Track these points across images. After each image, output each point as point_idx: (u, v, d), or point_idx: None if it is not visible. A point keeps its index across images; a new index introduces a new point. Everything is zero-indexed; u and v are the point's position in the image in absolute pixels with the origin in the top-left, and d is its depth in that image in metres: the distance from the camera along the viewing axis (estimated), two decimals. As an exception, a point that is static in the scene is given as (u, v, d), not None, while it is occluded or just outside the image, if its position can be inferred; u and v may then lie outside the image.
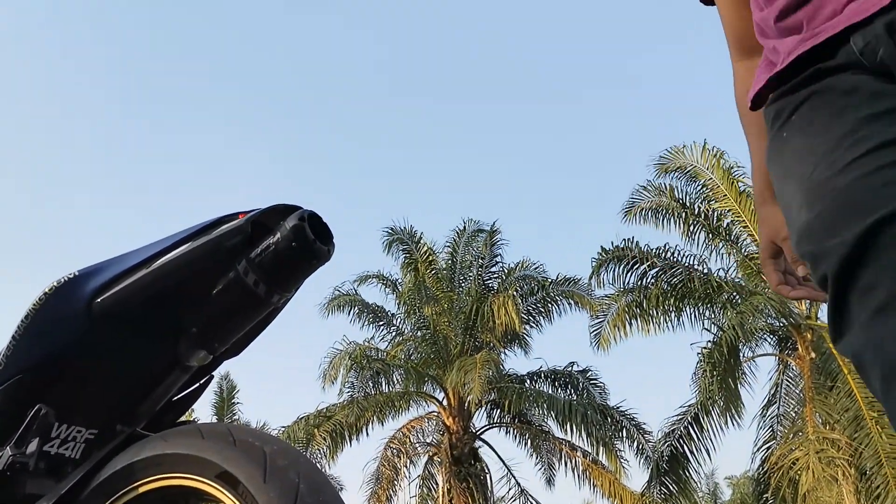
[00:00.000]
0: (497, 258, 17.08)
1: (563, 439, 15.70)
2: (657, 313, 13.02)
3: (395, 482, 15.98)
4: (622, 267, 13.29)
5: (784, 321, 12.97)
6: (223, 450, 1.16)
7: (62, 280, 1.37)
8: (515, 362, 35.78)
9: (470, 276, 16.88)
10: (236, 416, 21.52)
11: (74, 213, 45.03)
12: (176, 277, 1.34)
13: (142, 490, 1.24)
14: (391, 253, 17.15)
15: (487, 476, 15.83)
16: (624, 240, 13.31)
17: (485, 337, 16.23)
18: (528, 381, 16.23)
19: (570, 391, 15.89)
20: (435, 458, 16.34)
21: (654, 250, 13.24)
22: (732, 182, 13.19)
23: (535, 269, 16.78)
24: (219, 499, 1.15)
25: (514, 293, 15.81)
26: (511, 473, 16.02)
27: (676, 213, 13.42)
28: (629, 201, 13.86)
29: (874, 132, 0.91)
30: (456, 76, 53.22)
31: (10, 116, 46.34)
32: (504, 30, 56.14)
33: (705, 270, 13.17)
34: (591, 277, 13.84)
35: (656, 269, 13.18)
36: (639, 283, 13.25)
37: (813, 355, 12.49)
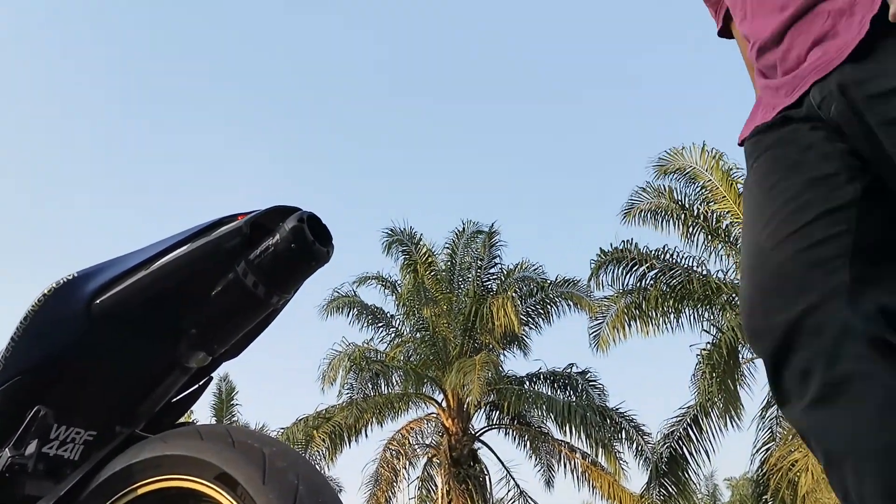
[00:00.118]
0: (496, 259, 17.11)
1: (562, 441, 15.71)
2: (656, 315, 13.01)
3: (395, 484, 15.98)
4: (621, 268, 13.29)
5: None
6: (222, 451, 1.16)
7: (61, 281, 1.37)
8: (514, 364, 35.81)
9: (469, 278, 16.88)
10: (235, 418, 21.52)
11: (74, 213, 45.04)
12: (175, 279, 1.34)
13: (141, 491, 1.24)
14: (391, 254, 17.18)
15: (486, 478, 15.84)
16: (623, 241, 13.32)
17: (484, 338, 16.24)
18: (528, 383, 16.23)
19: (570, 393, 15.89)
20: (434, 459, 16.33)
21: (653, 252, 13.23)
22: (732, 183, 13.17)
23: (535, 270, 16.81)
24: (218, 500, 1.15)
25: (514, 294, 15.81)
26: (510, 475, 16.04)
27: (675, 215, 13.41)
28: (628, 203, 13.86)
29: (815, 199, 1.00)
30: (456, 76, 53.28)
31: (10, 116, 46.35)
32: (504, 30, 56.22)
33: (704, 272, 13.17)
34: (590, 279, 13.83)
35: (655, 271, 13.18)
36: (638, 284, 13.25)
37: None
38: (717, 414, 12.60)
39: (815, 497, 11.14)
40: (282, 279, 1.36)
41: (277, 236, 1.31)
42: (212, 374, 1.59)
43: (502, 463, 16.17)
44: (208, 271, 1.35)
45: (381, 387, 15.99)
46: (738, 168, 13.27)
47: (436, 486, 16.09)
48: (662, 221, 13.51)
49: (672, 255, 13.31)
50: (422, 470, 16.46)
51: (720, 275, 13.13)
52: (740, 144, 1.20)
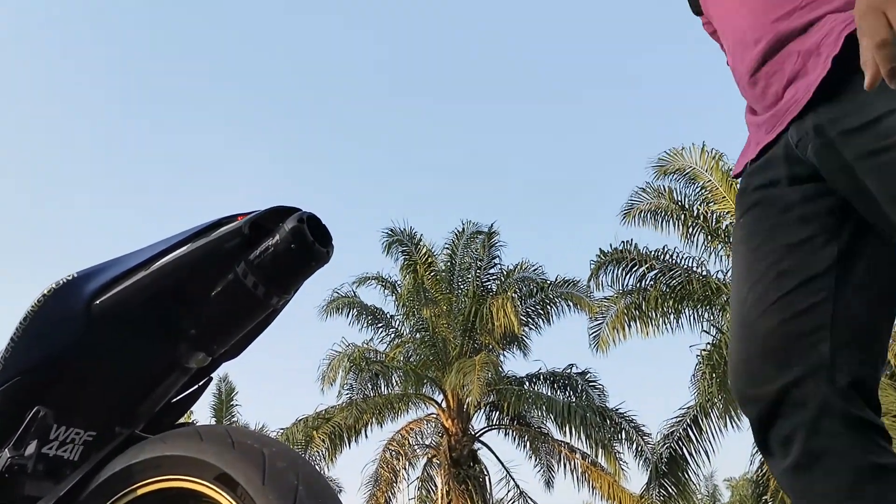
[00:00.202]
0: (496, 260, 17.11)
1: (562, 441, 15.71)
2: (656, 315, 13.01)
3: (394, 484, 15.98)
4: (621, 269, 13.29)
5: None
6: (222, 452, 1.16)
7: (60, 282, 1.37)
8: (514, 364, 35.76)
9: (469, 278, 16.88)
10: (235, 418, 21.51)
11: (74, 213, 44.97)
12: (175, 279, 1.34)
13: (140, 492, 1.24)
14: (390, 254, 17.18)
15: (486, 478, 15.84)
16: (623, 242, 13.33)
17: (484, 339, 16.24)
18: (527, 383, 16.24)
19: (569, 393, 15.90)
20: (434, 460, 16.33)
21: (653, 252, 13.24)
22: (731, 184, 13.16)
23: (534, 270, 16.81)
24: (217, 501, 1.15)
25: (513, 295, 15.82)
26: (510, 475, 16.04)
27: (675, 215, 13.41)
28: (628, 203, 13.86)
29: (795, 266, 1.10)
30: (456, 76, 53.20)
31: (10, 116, 46.33)
32: (504, 30, 56.18)
33: (704, 272, 13.17)
34: (589, 279, 13.84)
35: (655, 271, 13.18)
36: (638, 285, 13.25)
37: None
38: (717, 414, 12.62)
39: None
40: (282, 280, 1.36)
41: (277, 237, 1.31)
42: (211, 375, 1.59)
43: (502, 463, 16.19)
44: (208, 272, 1.35)
45: (380, 387, 16.00)
46: (737, 168, 13.26)
47: (435, 486, 16.09)
48: (662, 222, 13.52)
49: (672, 256, 13.31)
50: (421, 470, 16.48)
51: (720, 275, 13.12)
52: (735, 177, 1.28)
